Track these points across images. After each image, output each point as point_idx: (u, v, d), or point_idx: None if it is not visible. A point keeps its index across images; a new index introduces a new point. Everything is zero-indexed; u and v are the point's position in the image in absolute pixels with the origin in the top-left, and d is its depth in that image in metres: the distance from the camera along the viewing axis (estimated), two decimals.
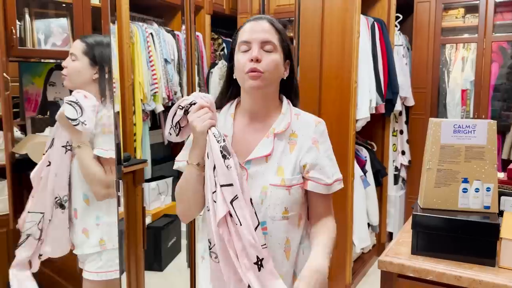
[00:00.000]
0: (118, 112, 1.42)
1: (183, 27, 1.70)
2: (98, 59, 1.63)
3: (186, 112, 1.08)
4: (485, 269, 1.13)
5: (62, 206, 1.61)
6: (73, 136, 1.56)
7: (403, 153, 3.68)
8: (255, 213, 1.04)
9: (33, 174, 1.67)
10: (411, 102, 3.59)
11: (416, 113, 3.65)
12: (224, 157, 1.03)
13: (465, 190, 1.23)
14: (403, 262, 1.19)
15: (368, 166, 3.08)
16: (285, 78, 1.16)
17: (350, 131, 2.54)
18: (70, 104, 1.51)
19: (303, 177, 1.13)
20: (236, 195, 1.02)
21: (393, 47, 3.21)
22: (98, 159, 1.57)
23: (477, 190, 1.22)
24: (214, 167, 1.04)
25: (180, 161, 1.20)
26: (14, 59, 2.33)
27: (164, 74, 3.40)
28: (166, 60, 3.43)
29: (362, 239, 2.99)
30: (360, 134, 3.18)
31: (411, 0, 3.55)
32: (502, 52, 3.53)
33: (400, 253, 1.24)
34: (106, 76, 1.61)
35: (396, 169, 3.62)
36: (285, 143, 1.13)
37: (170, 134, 1.11)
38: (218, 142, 1.04)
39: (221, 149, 1.03)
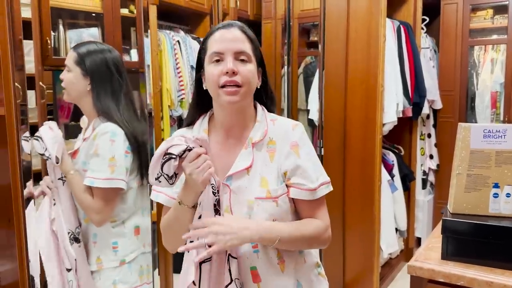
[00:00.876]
0: (152, 116, 1.43)
1: None
2: (90, 69, 1.52)
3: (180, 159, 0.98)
4: None
5: (77, 240, 1.50)
6: (58, 168, 1.48)
7: (431, 157, 3.63)
8: (229, 269, 0.99)
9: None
10: (438, 105, 3.54)
11: (444, 116, 3.60)
12: (216, 211, 0.99)
13: (496, 195, 1.21)
14: (433, 267, 1.18)
15: (395, 170, 3.05)
16: (258, 87, 1.09)
17: (377, 135, 2.52)
18: (37, 139, 1.45)
19: (286, 186, 1.07)
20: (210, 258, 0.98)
21: (420, 50, 3.18)
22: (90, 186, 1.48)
23: (508, 195, 1.20)
24: (200, 217, 0.99)
25: (161, 194, 1.12)
26: (48, 68, 2.43)
27: (190, 80, 3.46)
28: (192, 67, 3.49)
29: (389, 244, 2.96)
30: (387, 138, 3.15)
31: (437, 1, 3.51)
32: None
33: (430, 258, 1.23)
34: (102, 88, 1.53)
35: (424, 173, 3.57)
36: (264, 152, 1.07)
37: (160, 182, 0.98)
38: (214, 194, 0.98)
39: (215, 202, 0.99)
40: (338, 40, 2.55)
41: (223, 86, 1.00)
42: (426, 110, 3.27)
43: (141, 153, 1.56)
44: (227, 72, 0.99)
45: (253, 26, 4.45)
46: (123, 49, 2.63)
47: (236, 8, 3.71)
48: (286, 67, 2.17)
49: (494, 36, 3.59)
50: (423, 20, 3.27)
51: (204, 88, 1.07)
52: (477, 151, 1.21)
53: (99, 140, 1.47)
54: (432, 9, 3.46)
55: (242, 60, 1.02)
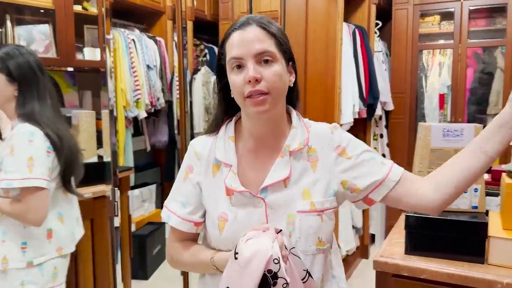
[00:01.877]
0: (116, 118, 1.38)
1: (175, 34, 1.69)
2: (16, 74, 1.48)
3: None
4: (475, 267, 1.17)
5: None
6: None
7: (383, 156, 3.76)
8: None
9: None
10: (390, 107, 3.68)
11: (395, 117, 3.75)
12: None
13: None
14: (398, 262, 1.23)
15: None
16: (292, 84, 0.95)
17: None
18: None
19: (362, 199, 0.95)
20: None
21: (374, 53, 3.29)
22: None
23: (465, 191, 1.27)
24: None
25: (173, 215, 0.98)
26: None
27: (146, 80, 3.38)
28: (148, 66, 3.42)
29: (347, 242, 3.04)
30: None
31: (389, 7, 3.65)
32: (476, 58, 3.67)
33: (394, 253, 1.27)
34: (28, 92, 1.49)
35: None
36: (305, 161, 0.94)
37: None
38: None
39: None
40: (297, 42, 2.59)
41: (248, 96, 0.88)
42: (379, 111, 3.39)
43: (65, 154, 1.51)
44: (249, 81, 0.86)
45: (210, 26, 4.43)
46: (76, 47, 2.52)
47: (193, 7, 3.67)
48: None
49: (441, 41, 3.78)
50: (376, 24, 3.39)
51: (232, 96, 0.93)
52: (437, 149, 1.27)
53: (15, 141, 1.43)
54: (384, 14, 3.59)
55: (267, 61, 0.88)
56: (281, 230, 0.84)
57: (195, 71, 3.80)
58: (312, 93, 2.58)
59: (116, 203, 1.51)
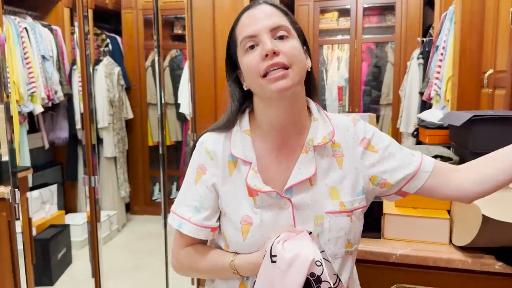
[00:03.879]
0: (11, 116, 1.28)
1: (76, 24, 1.60)
2: None
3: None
4: (373, 241, 1.29)
5: None
6: None
7: None
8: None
9: None
10: None
11: None
12: None
13: None
14: None
15: None
16: (309, 69, 0.86)
17: None
18: None
19: (395, 193, 0.89)
20: None
21: None
22: None
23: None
24: None
25: (185, 221, 0.86)
26: None
27: (42, 72, 3.14)
28: (44, 57, 3.18)
29: None
30: None
31: (292, 2, 3.80)
32: (370, 52, 3.99)
33: None
34: None
35: None
36: (330, 157, 0.86)
37: None
38: None
39: None
40: (205, 35, 2.59)
41: (265, 75, 0.78)
42: None
43: None
44: (266, 55, 0.77)
45: (112, 15, 4.23)
46: None
47: None
48: (157, 58, 2.12)
49: (339, 37, 4.05)
50: None
51: (246, 89, 0.85)
52: None
53: None
54: (287, 9, 3.74)
55: (281, 38, 0.80)
56: (310, 233, 0.79)
57: (97, 61, 3.62)
58: (222, 86, 2.61)
59: (17, 205, 1.39)
